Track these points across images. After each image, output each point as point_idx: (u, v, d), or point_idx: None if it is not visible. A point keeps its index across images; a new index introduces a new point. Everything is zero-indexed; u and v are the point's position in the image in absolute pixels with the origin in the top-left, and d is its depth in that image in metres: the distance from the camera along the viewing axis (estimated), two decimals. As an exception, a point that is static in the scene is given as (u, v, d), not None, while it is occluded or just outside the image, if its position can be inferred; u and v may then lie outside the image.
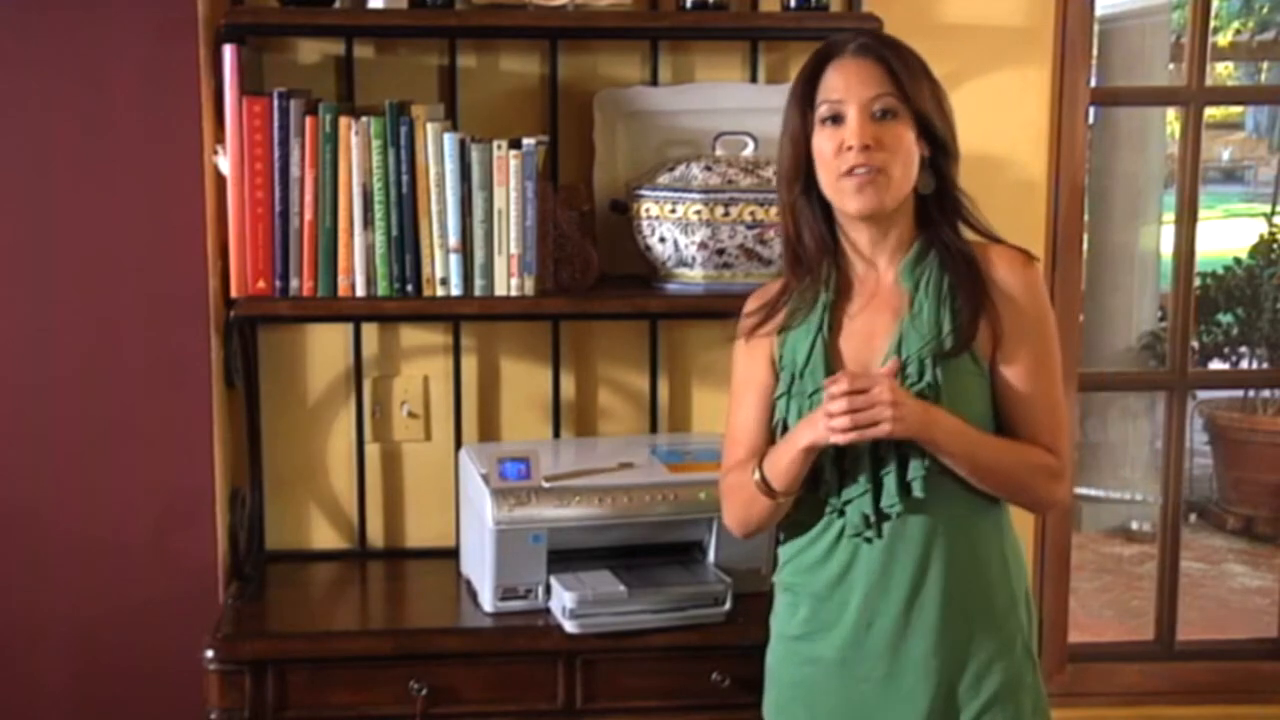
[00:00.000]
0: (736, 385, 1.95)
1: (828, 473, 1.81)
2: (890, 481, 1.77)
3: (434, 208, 2.27)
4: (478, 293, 2.30)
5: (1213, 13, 2.85)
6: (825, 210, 1.84)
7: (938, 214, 1.83)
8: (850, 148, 1.75)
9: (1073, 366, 2.70)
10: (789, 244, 1.87)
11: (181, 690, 2.25)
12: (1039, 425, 1.80)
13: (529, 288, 2.30)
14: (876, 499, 1.78)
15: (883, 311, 1.83)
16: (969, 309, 1.78)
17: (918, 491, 1.76)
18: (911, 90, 1.76)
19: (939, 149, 1.80)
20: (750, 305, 1.95)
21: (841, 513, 1.82)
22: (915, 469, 1.76)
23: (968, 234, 1.85)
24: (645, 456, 2.38)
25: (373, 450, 2.59)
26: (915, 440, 1.73)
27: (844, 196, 1.78)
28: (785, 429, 1.84)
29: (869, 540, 1.80)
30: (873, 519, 1.79)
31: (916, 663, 1.82)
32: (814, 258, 1.85)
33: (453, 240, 2.28)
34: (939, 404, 1.75)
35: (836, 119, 1.77)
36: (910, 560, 1.80)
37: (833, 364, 1.82)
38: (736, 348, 1.94)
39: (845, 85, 1.77)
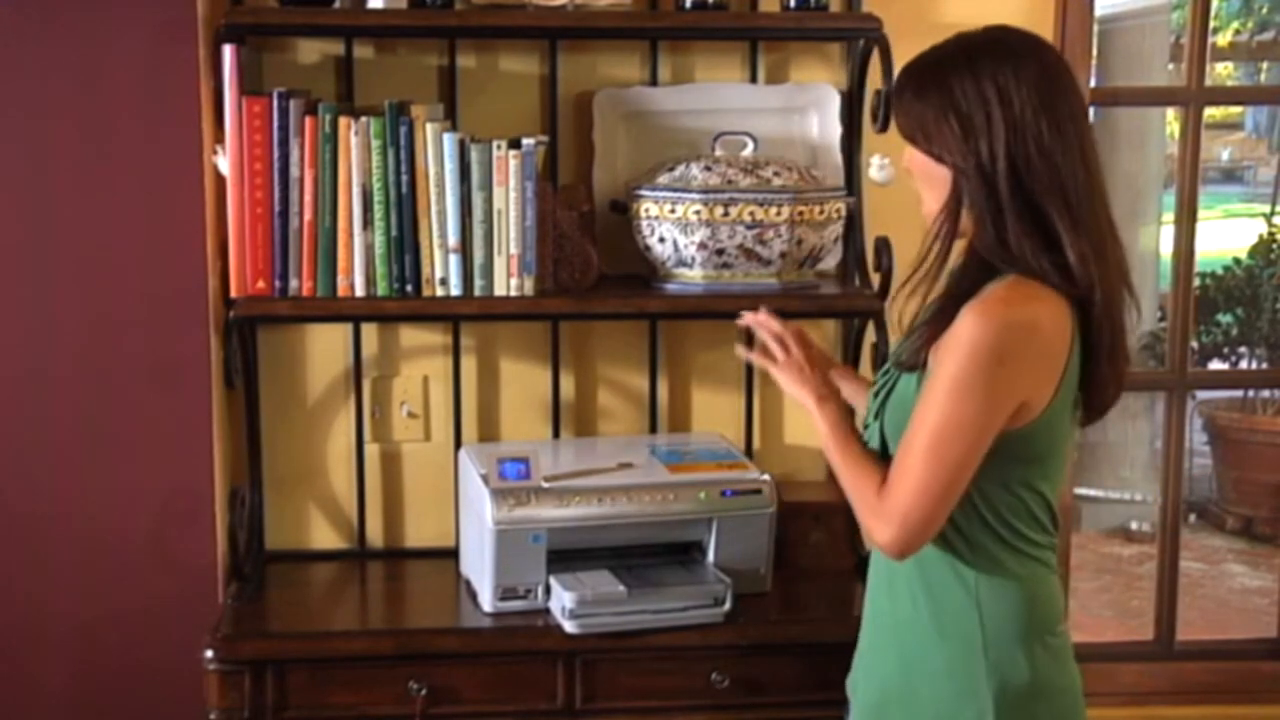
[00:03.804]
0: None
1: None
2: None
3: (433, 208, 2.27)
4: (477, 293, 2.30)
5: (1212, 13, 2.85)
6: None
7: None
8: None
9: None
10: None
11: (181, 690, 2.25)
12: (896, 464, 1.66)
13: (529, 288, 2.30)
14: None
15: None
16: (923, 334, 1.68)
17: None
18: (900, 122, 1.73)
19: (959, 173, 1.66)
20: None
21: None
22: None
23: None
24: (645, 456, 2.38)
25: (372, 450, 2.59)
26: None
27: None
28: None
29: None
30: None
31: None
32: None
33: (452, 240, 2.28)
34: (884, 411, 1.74)
35: None
36: (875, 591, 1.84)
37: None
38: None
39: None
